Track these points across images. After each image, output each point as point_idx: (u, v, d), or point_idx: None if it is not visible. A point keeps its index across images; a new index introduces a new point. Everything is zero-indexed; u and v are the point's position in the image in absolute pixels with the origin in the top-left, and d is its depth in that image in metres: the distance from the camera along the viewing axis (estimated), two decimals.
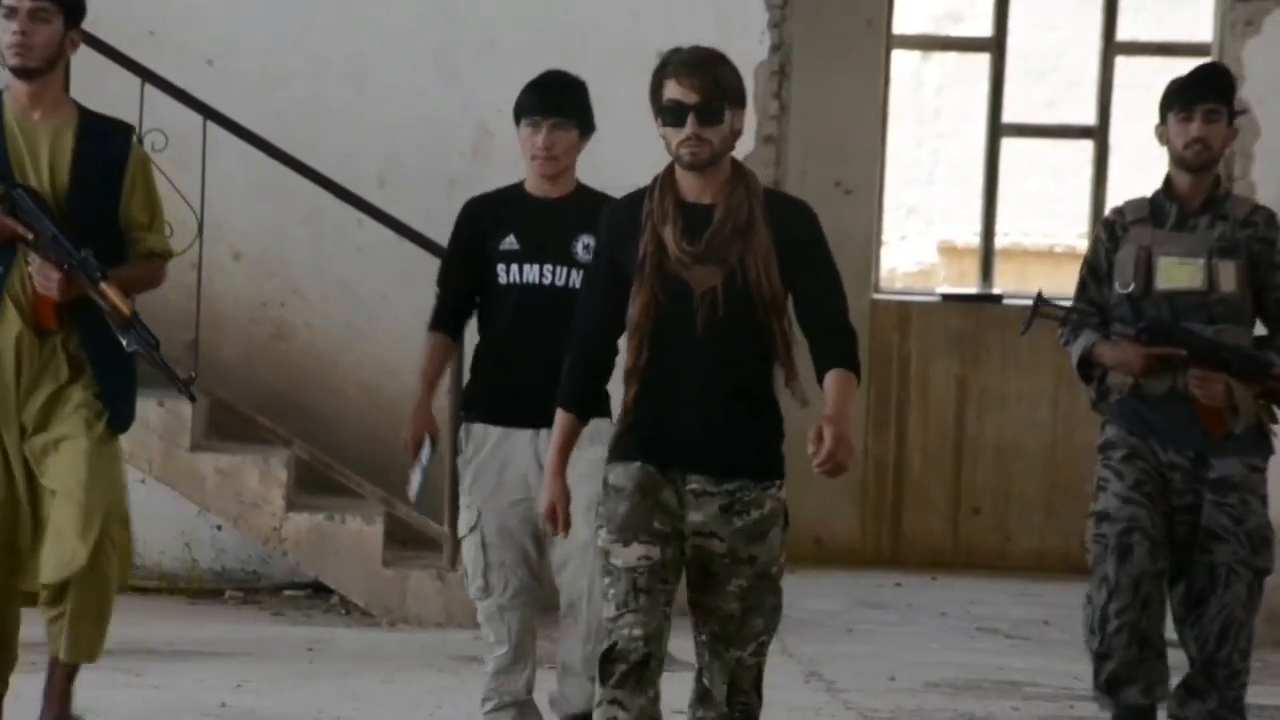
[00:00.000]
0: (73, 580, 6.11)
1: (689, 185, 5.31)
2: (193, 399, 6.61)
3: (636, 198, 5.39)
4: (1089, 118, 12.91)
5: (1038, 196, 15.54)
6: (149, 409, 9.50)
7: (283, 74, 10.23)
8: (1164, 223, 6.55)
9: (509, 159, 7.09)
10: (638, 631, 5.21)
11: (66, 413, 6.18)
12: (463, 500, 6.58)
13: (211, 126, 9.65)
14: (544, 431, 5.96)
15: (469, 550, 6.52)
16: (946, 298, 12.90)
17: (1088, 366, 6.63)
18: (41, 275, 6.02)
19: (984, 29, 13.11)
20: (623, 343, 5.44)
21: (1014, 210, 13.94)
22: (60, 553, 6.10)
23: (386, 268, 9.73)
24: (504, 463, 6.40)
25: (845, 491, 11.46)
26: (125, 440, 9.31)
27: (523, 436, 6.38)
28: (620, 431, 5.38)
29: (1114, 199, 13.18)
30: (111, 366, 6.21)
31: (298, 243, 10.20)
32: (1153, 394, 6.48)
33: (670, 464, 5.29)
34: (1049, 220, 16.25)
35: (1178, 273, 6.45)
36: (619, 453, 5.37)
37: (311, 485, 9.99)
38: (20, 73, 6.13)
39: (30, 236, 6.01)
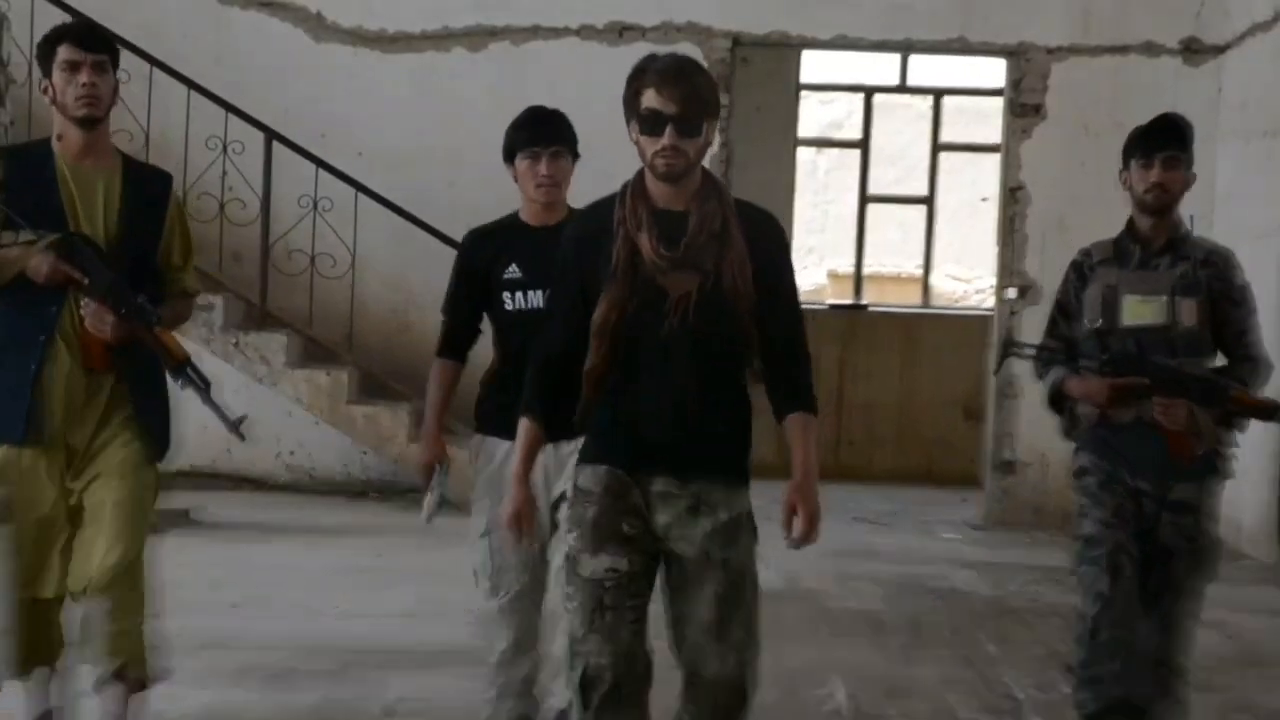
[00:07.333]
0: (90, 593, 4.47)
1: (660, 193, 3.65)
2: (242, 438, 4.65)
3: (602, 206, 3.73)
4: (923, 190, 12.84)
5: (890, 241, 15.65)
6: (319, 376, 9.66)
7: (404, 161, 10.12)
8: (1128, 263, 4.92)
9: None
10: (604, 660, 3.60)
11: (107, 446, 4.53)
12: (474, 507, 4.78)
13: (361, 196, 9.70)
14: (548, 447, 4.24)
15: (480, 553, 4.74)
16: (833, 307, 12.83)
17: (1059, 399, 5.02)
18: (95, 319, 4.42)
19: (856, 134, 13.09)
20: None
21: (875, 250, 14.08)
22: (83, 569, 4.48)
23: None
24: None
25: (769, 431, 11.59)
26: (306, 394, 9.46)
27: None
28: (588, 435, 3.76)
29: (939, 244, 13.35)
30: (150, 401, 4.59)
31: (416, 270, 9.99)
32: (1120, 423, 4.87)
33: (637, 467, 3.68)
34: (897, 256, 16.29)
35: (1141, 309, 4.88)
36: (587, 456, 3.74)
37: None
38: (88, 122, 4.48)
39: (85, 282, 4.40)
